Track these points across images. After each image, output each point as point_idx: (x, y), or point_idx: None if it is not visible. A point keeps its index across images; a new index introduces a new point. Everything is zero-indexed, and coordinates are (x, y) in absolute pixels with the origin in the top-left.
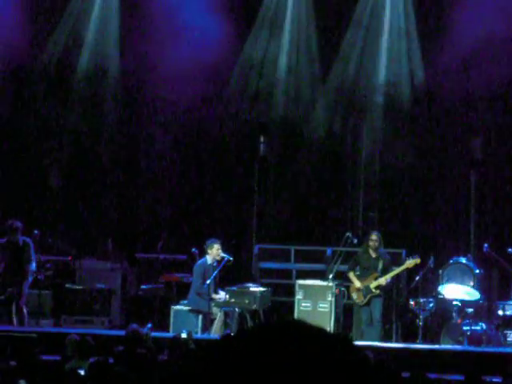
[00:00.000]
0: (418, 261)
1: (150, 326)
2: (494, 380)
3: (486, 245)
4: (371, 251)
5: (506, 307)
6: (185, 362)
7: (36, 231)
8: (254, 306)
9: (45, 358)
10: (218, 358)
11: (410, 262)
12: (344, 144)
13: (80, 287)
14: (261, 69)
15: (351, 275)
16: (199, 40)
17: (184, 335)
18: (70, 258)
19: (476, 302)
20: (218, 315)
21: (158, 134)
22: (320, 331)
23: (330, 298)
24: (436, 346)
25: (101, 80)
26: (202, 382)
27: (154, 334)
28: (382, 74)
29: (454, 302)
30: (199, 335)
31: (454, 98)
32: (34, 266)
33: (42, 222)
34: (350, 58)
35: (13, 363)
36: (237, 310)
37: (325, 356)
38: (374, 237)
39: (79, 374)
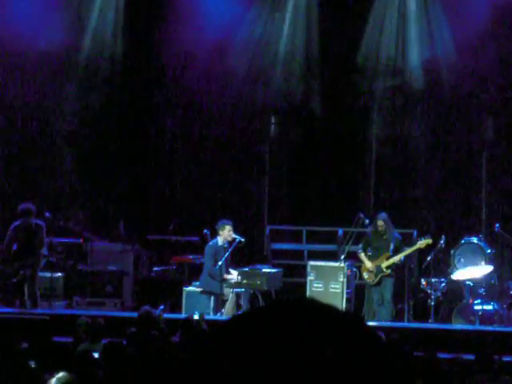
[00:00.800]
0: (429, 241)
1: (162, 307)
2: (505, 359)
3: (497, 224)
4: (379, 234)
5: None
6: (196, 343)
7: (48, 213)
8: (266, 287)
9: (57, 339)
10: (229, 338)
11: (422, 243)
12: (356, 124)
13: (92, 269)
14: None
15: (362, 255)
16: (204, 20)
17: (196, 316)
18: (81, 241)
19: (488, 281)
20: (230, 296)
21: (168, 116)
22: (331, 309)
23: (341, 279)
24: (448, 326)
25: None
26: (214, 362)
27: (166, 315)
28: (391, 54)
29: (467, 282)
30: (211, 316)
31: (465, 78)
32: (45, 250)
33: (53, 205)
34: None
35: (25, 345)
36: (249, 291)
37: (337, 334)
38: (379, 223)
39: (92, 356)
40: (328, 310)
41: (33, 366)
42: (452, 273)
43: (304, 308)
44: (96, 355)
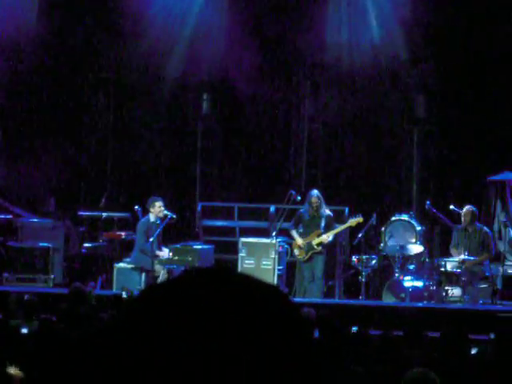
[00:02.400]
0: (360, 220)
1: (92, 284)
2: (434, 335)
3: (428, 202)
4: (313, 210)
5: (448, 264)
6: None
7: None
8: (197, 264)
9: None
10: (141, 307)
11: (353, 221)
12: (287, 102)
13: (22, 245)
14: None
15: (293, 232)
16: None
17: (124, 296)
18: (11, 216)
19: (418, 258)
20: (161, 273)
21: (100, 90)
22: (249, 279)
23: (273, 256)
24: (378, 302)
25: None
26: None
27: (96, 291)
28: (327, 35)
29: (396, 258)
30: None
31: (398, 57)
32: None
33: None
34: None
35: None
36: (180, 267)
37: (257, 306)
38: (313, 199)
39: (22, 332)
40: (246, 281)
41: None
42: (383, 250)
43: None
44: (25, 331)
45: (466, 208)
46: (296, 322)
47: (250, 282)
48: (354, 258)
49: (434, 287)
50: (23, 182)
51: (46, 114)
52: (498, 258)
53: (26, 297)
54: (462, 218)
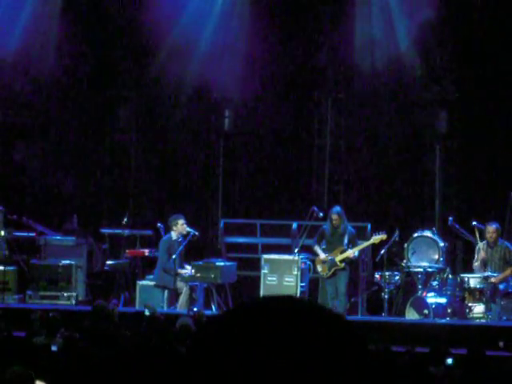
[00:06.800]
0: (384, 237)
1: (115, 301)
2: (460, 352)
3: (450, 218)
4: (333, 227)
5: (471, 280)
6: (193, 336)
7: (0, 207)
8: (220, 281)
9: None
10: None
11: (376, 238)
12: (309, 119)
13: (45, 263)
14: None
15: (317, 248)
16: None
17: (147, 313)
18: (35, 234)
19: (441, 274)
20: (184, 290)
21: (122, 108)
22: (317, 308)
23: (295, 272)
24: (401, 319)
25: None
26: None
27: (119, 309)
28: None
29: (419, 275)
30: (165, 310)
31: (419, 73)
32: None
33: (6, 198)
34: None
35: None
36: (203, 284)
37: (325, 334)
38: (333, 216)
39: (50, 349)
40: (314, 309)
41: None
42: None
43: (288, 307)
44: (54, 348)
45: (490, 225)
46: (359, 346)
47: (315, 310)
48: (377, 275)
49: (457, 304)
50: (48, 200)
51: (68, 132)
52: None
53: (50, 314)
54: (488, 235)
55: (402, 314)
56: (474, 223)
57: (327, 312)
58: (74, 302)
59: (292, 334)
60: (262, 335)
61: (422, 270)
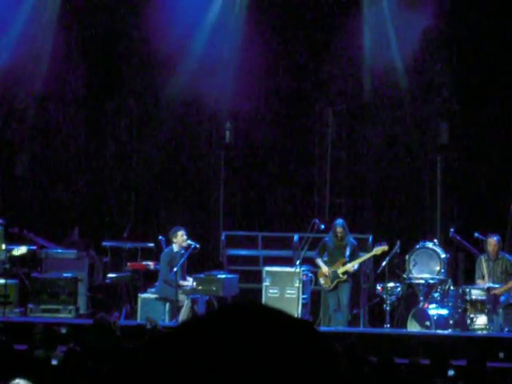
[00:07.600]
0: (385, 248)
1: (116, 314)
2: (460, 364)
3: (452, 229)
4: (338, 240)
5: (473, 291)
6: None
7: (1, 220)
8: (222, 293)
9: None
10: (169, 346)
11: (378, 250)
12: (310, 130)
13: (46, 276)
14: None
15: (319, 261)
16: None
17: (148, 326)
18: (35, 248)
19: (443, 285)
20: (186, 302)
21: (125, 122)
22: (281, 314)
23: (297, 284)
24: (403, 331)
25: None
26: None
27: (121, 322)
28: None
29: (421, 287)
30: (167, 323)
31: (419, 83)
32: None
33: (7, 211)
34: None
35: None
36: (204, 297)
37: (286, 342)
38: (338, 229)
39: (51, 363)
40: (276, 316)
41: None
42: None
43: (250, 314)
44: (54, 362)
45: (492, 238)
46: (327, 354)
47: (279, 317)
48: (379, 287)
49: (459, 315)
50: (47, 213)
51: (69, 144)
52: None
53: (49, 328)
54: (489, 248)
55: (404, 325)
56: (476, 234)
57: (287, 318)
58: (75, 314)
59: (248, 342)
60: (215, 347)
61: (423, 281)
